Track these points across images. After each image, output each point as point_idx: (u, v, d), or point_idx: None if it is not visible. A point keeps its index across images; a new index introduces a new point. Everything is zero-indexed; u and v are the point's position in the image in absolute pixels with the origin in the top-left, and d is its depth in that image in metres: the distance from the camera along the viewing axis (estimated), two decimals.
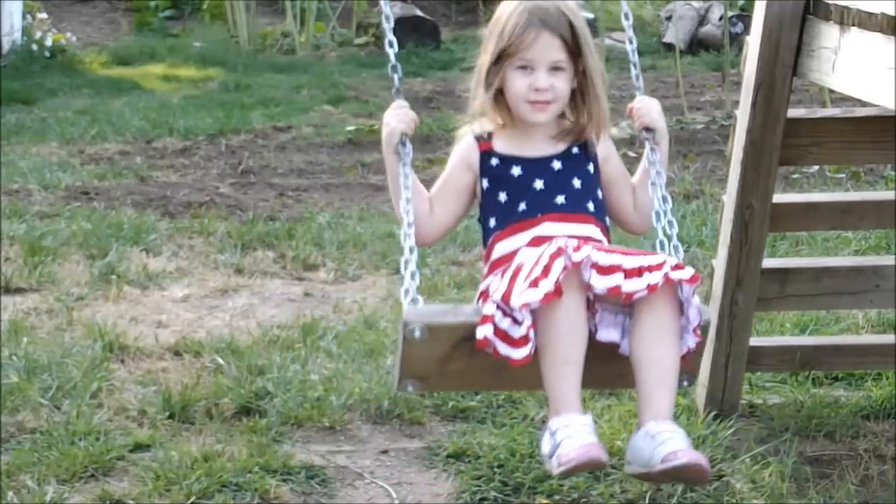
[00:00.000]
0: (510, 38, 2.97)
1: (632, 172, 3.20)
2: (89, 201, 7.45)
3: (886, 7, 3.43)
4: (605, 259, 2.82)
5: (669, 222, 3.06)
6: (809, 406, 4.56)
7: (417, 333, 2.89)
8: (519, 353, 2.82)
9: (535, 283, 2.76)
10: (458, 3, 16.17)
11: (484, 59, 3.03)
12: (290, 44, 13.66)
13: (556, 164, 3.03)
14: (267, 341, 5.10)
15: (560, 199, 3.00)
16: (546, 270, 2.76)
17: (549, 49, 2.97)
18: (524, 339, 2.81)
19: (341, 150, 9.00)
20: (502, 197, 3.02)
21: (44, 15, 13.75)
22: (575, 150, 3.05)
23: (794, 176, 8.03)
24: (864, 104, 3.84)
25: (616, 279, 2.80)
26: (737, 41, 11.33)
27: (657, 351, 2.86)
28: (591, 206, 3.04)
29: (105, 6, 16.89)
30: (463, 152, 3.08)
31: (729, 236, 4.29)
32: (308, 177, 8.24)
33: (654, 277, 2.80)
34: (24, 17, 13.17)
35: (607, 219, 3.10)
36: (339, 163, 8.49)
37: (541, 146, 3.04)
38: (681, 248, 3.00)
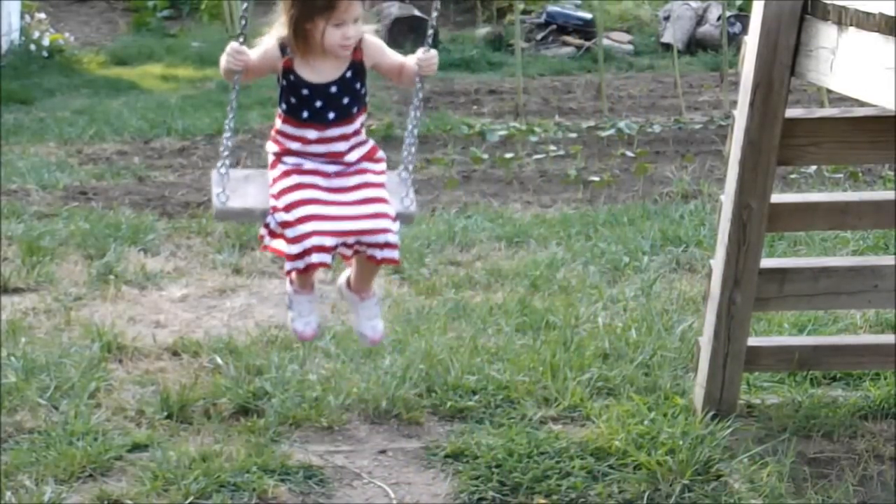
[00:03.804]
0: (326, 3, 3.79)
1: None
2: (87, 201, 7.45)
3: (885, 7, 3.43)
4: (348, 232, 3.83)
5: (411, 163, 4.06)
6: (807, 406, 4.56)
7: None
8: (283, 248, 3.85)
9: (292, 258, 3.79)
10: (456, 3, 16.17)
11: (296, 10, 3.84)
12: None
13: (333, 89, 3.92)
14: (265, 341, 5.10)
15: (331, 115, 3.93)
16: (300, 256, 3.77)
17: (355, 8, 3.84)
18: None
19: None
20: (292, 100, 3.91)
21: (42, 15, 13.76)
22: (349, 74, 3.92)
23: (792, 176, 8.04)
24: (862, 104, 3.84)
25: (356, 246, 3.87)
26: (735, 41, 11.34)
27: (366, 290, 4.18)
28: (354, 109, 3.95)
29: (103, 6, 16.89)
30: (272, 54, 3.90)
31: (727, 236, 4.29)
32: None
33: (380, 254, 3.85)
34: (22, 17, 13.17)
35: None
36: None
37: (326, 71, 3.90)
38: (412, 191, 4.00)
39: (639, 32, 15.28)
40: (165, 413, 4.43)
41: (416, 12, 14.77)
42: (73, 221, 6.73)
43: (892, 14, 3.37)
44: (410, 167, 4.07)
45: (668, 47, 13.54)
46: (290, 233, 3.82)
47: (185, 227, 6.79)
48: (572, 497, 3.99)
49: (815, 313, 5.29)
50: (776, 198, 4.36)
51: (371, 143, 4.04)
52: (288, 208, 3.86)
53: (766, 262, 4.47)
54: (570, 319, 5.28)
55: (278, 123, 3.99)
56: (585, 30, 14.46)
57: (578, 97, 11.72)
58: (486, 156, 8.75)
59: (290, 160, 3.98)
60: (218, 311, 5.56)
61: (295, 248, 3.80)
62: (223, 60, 3.93)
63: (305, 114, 3.94)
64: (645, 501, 3.95)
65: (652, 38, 15.09)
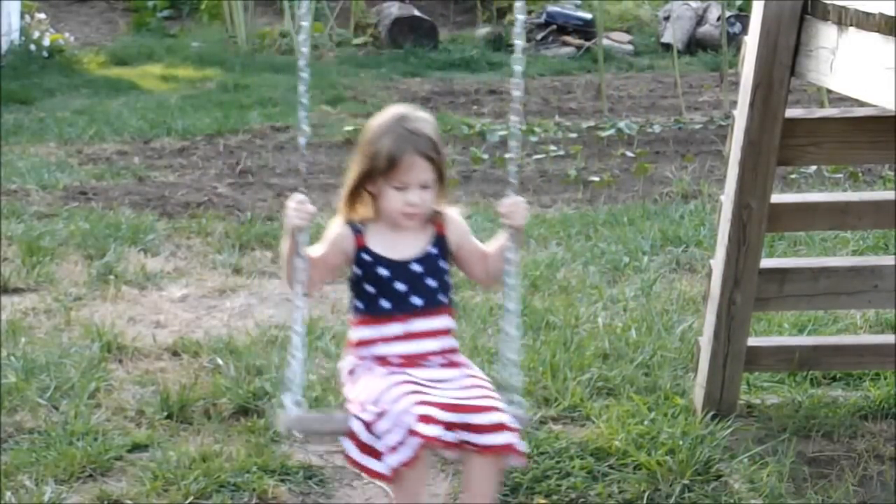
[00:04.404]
0: (386, 164, 3.38)
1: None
2: (87, 201, 7.46)
3: (885, 7, 3.43)
4: (453, 418, 3.27)
5: (517, 326, 3.52)
6: (807, 406, 4.56)
7: (299, 436, 3.52)
8: (376, 466, 3.31)
9: (394, 450, 3.24)
10: (456, 3, 16.17)
11: (357, 171, 3.47)
12: (288, 44, 13.66)
13: (416, 268, 3.46)
14: (265, 341, 5.10)
15: (417, 301, 3.45)
16: (402, 441, 3.22)
17: (421, 171, 3.39)
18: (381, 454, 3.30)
19: (339, 150, 9.00)
20: (370, 289, 3.47)
21: (42, 15, 13.76)
22: (432, 250, 3.49)
23: (792, 176, 8.04)
24: (862, 104, 3.84)
25: (462, 435, 3.28)
26: (735, 41, 11.34)
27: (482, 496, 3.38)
28: (443, 298, 3.50)
29: (103, 6, 16.89)
30: (340, 238, 3.51)
31: (727, 236, 4.29)
32: (308, 177, 8.24)
33: (492, 439, 3.28)
34: (22, 18, 13.17)
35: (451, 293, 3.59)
36: (336, 163, 8.49)
37: (405, 247, 3.48)
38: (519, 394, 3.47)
39: (639, 32, 15.28)
40: (165, 413, 4.43)
41: (416, 12, 14.76)
42: (72, 221, 6.73)
43: (892, 14, 3.36)
44: (517, 361, 3.50)
45: (668, 47, 13.54)
46: (383, 423, 3.26)
47: (185, 227, 6.79)
48: (572, 497, 3.99)
49: (815, 313, 5.29)
50: (776, 198, 4.36)
51: (461, 356, 3.53)
52: (377, 397, 3.30)
53: (766, 262, 4.47)
54: (570, 319, 5.28)
55: (354, 334, 3.49)
56: (585, 30, 14.47)
57: (578, 97, 11.72)
58: (486, 156, 8.75)
59: (372, 366, 3.44)
60: (218, 312, 5.56)
61: (394, 435, 3.22)
62: (287, 216, 3.39)
63: (386, 304, 3.44)
64: (645, 501, 3.95)
65: (652, 38, 15.10)
